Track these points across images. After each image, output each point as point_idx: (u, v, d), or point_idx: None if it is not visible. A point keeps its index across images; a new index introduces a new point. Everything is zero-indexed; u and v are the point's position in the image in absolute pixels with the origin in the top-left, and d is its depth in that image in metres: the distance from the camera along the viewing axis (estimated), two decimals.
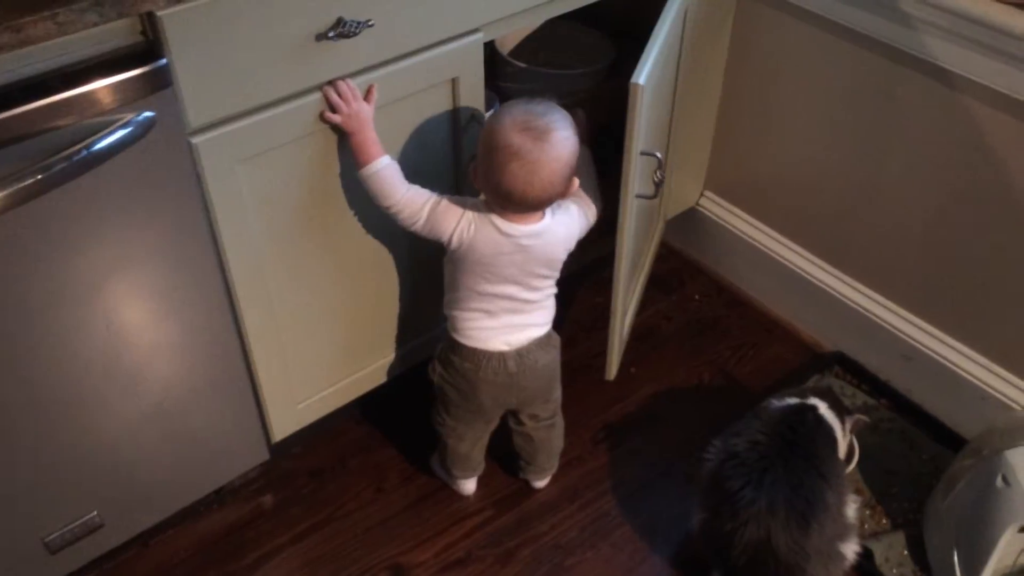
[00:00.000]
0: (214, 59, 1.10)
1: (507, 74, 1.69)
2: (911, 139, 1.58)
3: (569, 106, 1.58)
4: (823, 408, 1.47)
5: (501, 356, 1.38)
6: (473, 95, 1.39)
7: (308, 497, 1.64)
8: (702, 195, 2.02)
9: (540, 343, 1.40)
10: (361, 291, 1.47)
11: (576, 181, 1.31)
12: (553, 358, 1.44)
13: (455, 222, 1.30)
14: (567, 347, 1.87)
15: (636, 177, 1.37)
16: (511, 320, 1.37)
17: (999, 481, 1.38)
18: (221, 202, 1.22)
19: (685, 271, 2.09)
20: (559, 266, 1.38)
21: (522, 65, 1.66)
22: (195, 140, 1.15)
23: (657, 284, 2.04)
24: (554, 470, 1.65)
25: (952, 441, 1.69)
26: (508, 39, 1.75)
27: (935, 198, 1.59)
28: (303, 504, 1.63)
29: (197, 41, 1.08)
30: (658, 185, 1.40)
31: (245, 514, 1.61)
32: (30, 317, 1.13)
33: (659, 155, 1.37)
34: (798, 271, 1.87)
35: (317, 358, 1.49)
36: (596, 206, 1.41)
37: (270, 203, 1.28)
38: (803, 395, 1.49)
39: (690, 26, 1.61)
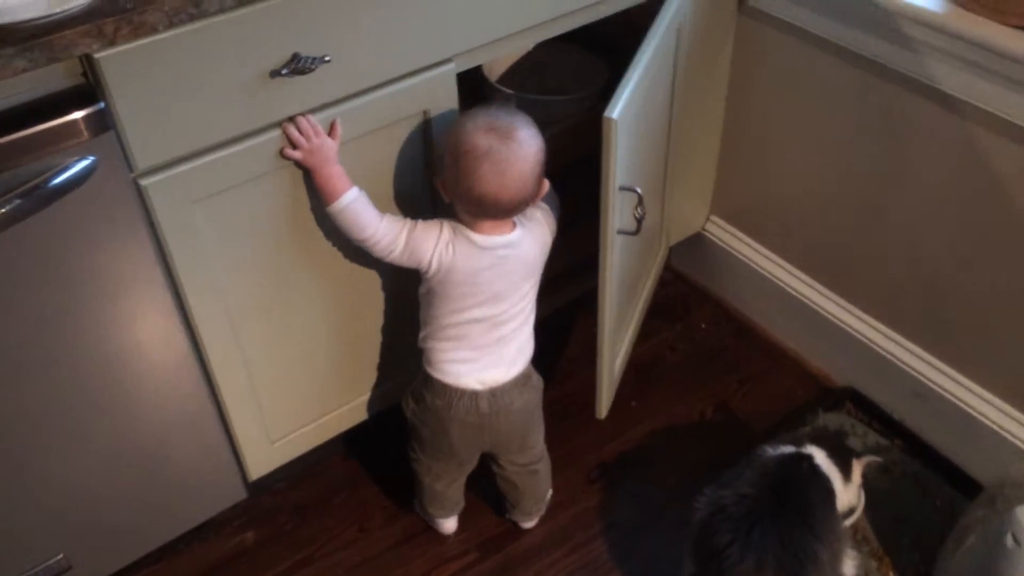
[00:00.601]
0: (160, 100, 1.07)
1: (495, 100, 1.63)
2: (919, 167, 1.48)
3: (559, 134, 1.54)
4: (820, 457, 1.38)
5: (474, 395, 1.32)
6: (447, 126, 1.34)
7: (290, 534, 1.60)
8: (708, 220, 1.94)
9: (517, 383, 1.35)
10: (335, 327, 1.43)
11: (547, 183, 1.28)
12: (530, 400, 1.38)
13: (433, 243, 1.26)
14: (562, 380, 1.83)
15: (616, 214, 1.31)
16: (487, 352, 1.32)
17: (1009, 540, 1.28)
18: (176, 243, 1.18)
19: (692, 298, 2.01)
20: (538, 276, 1.35)
21: (509, 92, 1.60)
22: (144, 182, 1.11)
23: (662, 311, 1.96)
24: (542, 513, 1.59)
25: (967, 486, 1.58)
26: (497, 63, 1.70)
27: (945, 229, 1.49)
28: (285, 542, 1.59)
29: (140, 82, 1.04)
30: (640, 221, 1.33)
31: (227, 552, 1.58)
32: None
33: (639, 191, 1.30)
34: (806, 301, 1.78)
35: (291, 396, 1.45)
36: (554, 211, 1.37)
37: (232, 241, 1.24)
38: (799, 442, 1.41)
39: (685, 46, 1.53)
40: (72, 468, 1.28)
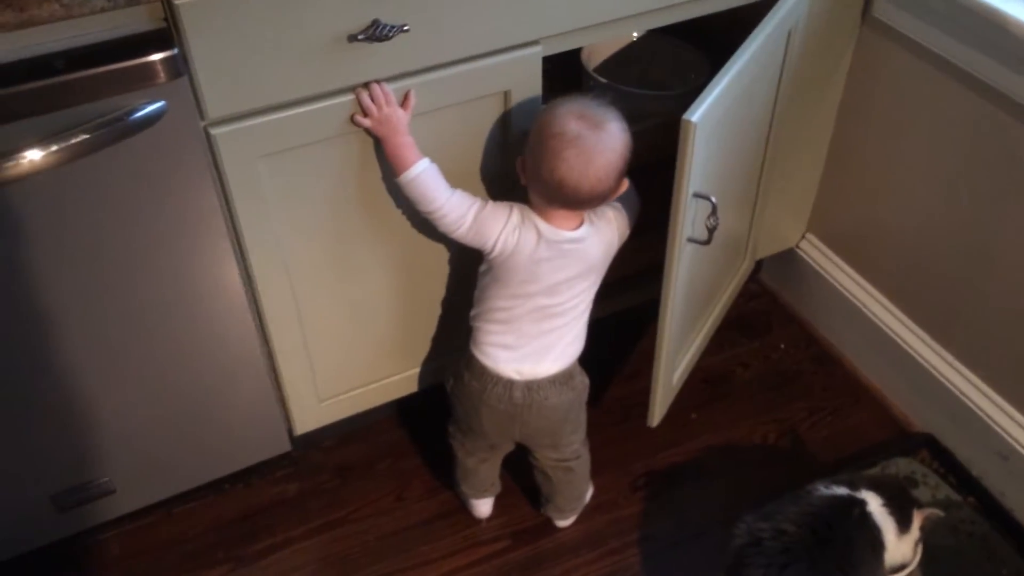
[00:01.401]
0: (236, 52, 1.07)
1: (588, 88, 1.58)
2: None
3: (650, 129, 1.48)
4: (874, 504, 1.30)
5: (509, 384, 1.30)
6: (528, 111, 1.30)
7: (330, 493, 1.62)
8: (803, 237, 1.84)
9: (556, 380, 1.32)
10: (393, 296, 1.43)
11: (627, 181, 1.25)
12: (568, 399, 1.35)
13: (501, 226, 1.24)
14: (631, 378, 1.78)
15: (687, 221, 1.25)
16: (533, 342, 1.30)
17: None
18: (241, 195, 1.19)
19: (775, 315, 1.92)
20: (600, 276, 1.32)
21: (603, 81, 1.55)
22: (214, 131, 1.13)
23: (742, 325, 1.88)
24: (576, 513, 1.55)
25: None
26: (598, 50, 1.64)
27: None
28: (324, 499, 1.61)
29: (217, 32, 1.05)
30: (711, 231, 1.27)
31: (266, 500, 1.61)
32: (55, 278, 1.15)
33: (713, 199, 1.24)
34: (896, 338, 1.67)
35: (343, 358, 1.46)
36: (630, 212, 1.33)
37: (295, 200, 1.24)
38: (855, 485, 1.32)
39: (797, 51, 1.45)
40: (124, 400, 1.32)
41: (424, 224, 1.31)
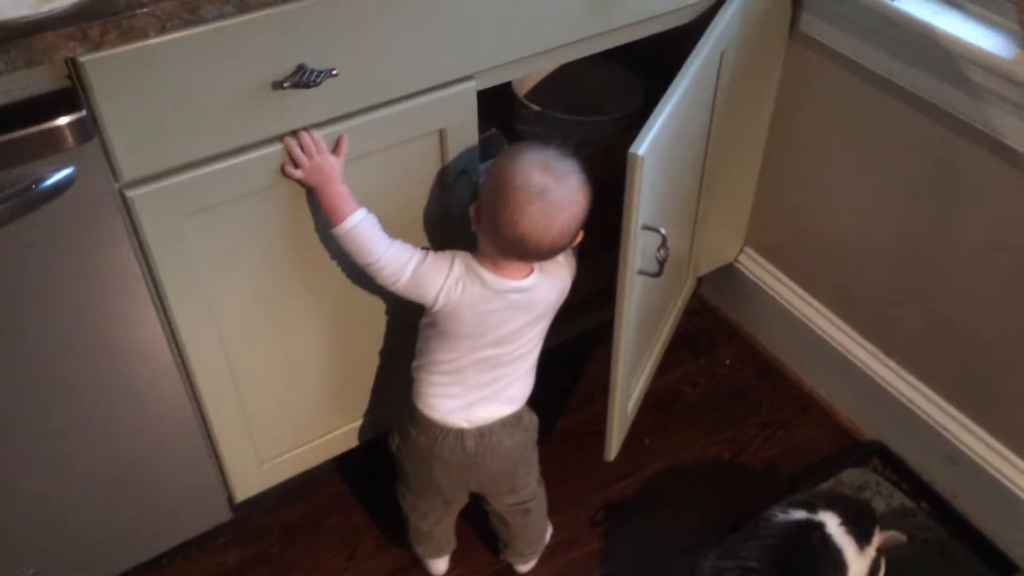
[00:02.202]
0: (150, 108, 0.99)
1: (522, 117, 1.53)
2: (972, 222, 1.37)
3: (589, 156, 1.44)
4: (832, 525, 1.28)
5: (459, 433, 1.24)
6: (464, 148, 1.25)
7: (276, 558, 1.53)
8: (742, 251, 1.83)
9: (507, 423, 1.26)
10: (331, 350, 1.35)
11: (581, 234, 1.19)
12: (521, 441, 1.30)
13: (442, 279, 1.18)
14: (576, 409, 1.74)
15: (637, 254, 1.21)
16: (481, 390, 1.24)
17: None
18: (164, 258, 1.11)
19: (718, 331, 1.90)
20: (549, 320, 1.26)
21: (536, 109, 1.50)
22: (131, 193, 1.04)
23: (686, 343, 1.86)
24: (537, 555, 1.50)
25: (998, 563, 1.48)
26: (528, 77, 1.60)
27: (996, 287, 1.38)
28: (270, 565, 1.52)
29: (130, 88, 0.97)
30: (662, 263, 1.24)
31: (207, 572, 1.51)
32: None
33: (663, 232, 1.20)
34: (839, 348, 1.67)
35: (282, 417, 1.38)
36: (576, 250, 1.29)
37: (225, 258, 1.16)
38: (812, 507, 1.31)
39: (729, 69, 1.43)
40: (47, 484, 1.21)
41: (361, 275, 1.23)
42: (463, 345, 1.20)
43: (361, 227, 1.15)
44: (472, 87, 1.21)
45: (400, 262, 1.17)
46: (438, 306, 1.19)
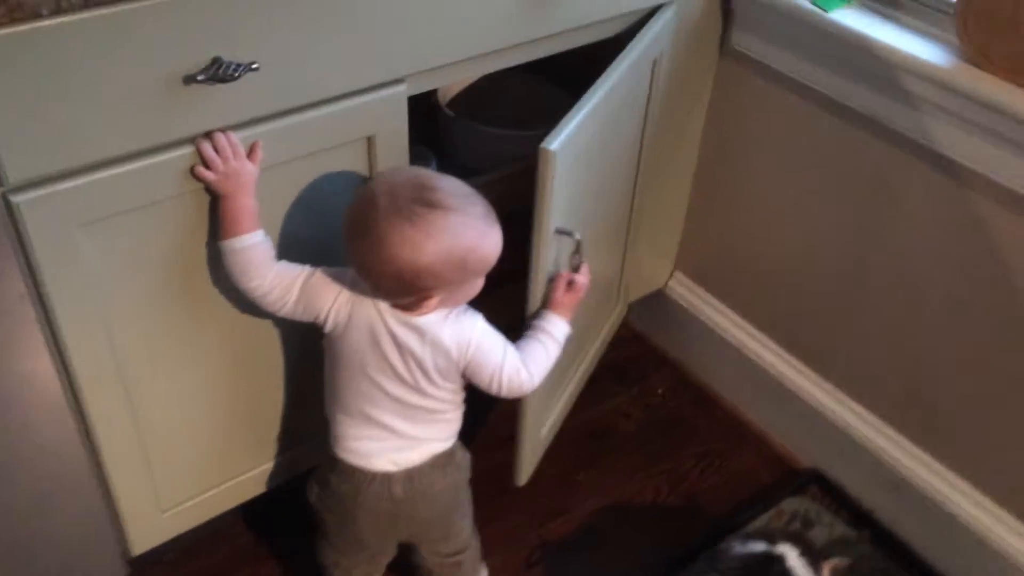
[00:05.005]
0: (41, 102, 0.87)
1: (441, 126, 1.45)
2: (907, 235, 1.35)
3: (513, 174, 1.37)
4: (792, 558, 1.23)
5: (386, 478, 1.12)
6: (394, 156, 1.16)
7: None
8: (672, 276, 1.78)
9: (438, 463, 1.15)
10: (239, 384, 1.22)
11: (480, 282, 1.06)
12: (454, 482, 1.18)
13: (332, 297, 1.07)
14: (502, 444, 1.63)
15: (547, 259, 1.14)
16: (401, 430, 1.12)
17: None
18: (55, 273, 0.97)
19: (649, 361, 1.84)
20: (453, 379, 1.11)
21: (451, 114, 1.42)
22: (17, 199, 0.91)
23: (617, 374, 1.80)
24: None
25: None
26: (454, 87, 1.52)
27: (935, 307, 1.36)
28: None
29: (17, 77, 0.84)
30: (575, 269, 1.18)
31: None
32: None
33: (578, 236, 1.14)
34: (775, 374, 1.63)
35: (186, 459, 1.24)
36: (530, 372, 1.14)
37: (125, 274, 1.03)
38: (771, 539, 1.25)
39: (662, 84, 1.39)
40: None
41: None
42: (363, 375, 1.08)
43: (254, 251, 1.05)
44: (403, 91, 1.12)
45: (286, 284, 1.06)
46: (328, 328, 1.08)
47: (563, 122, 1.10)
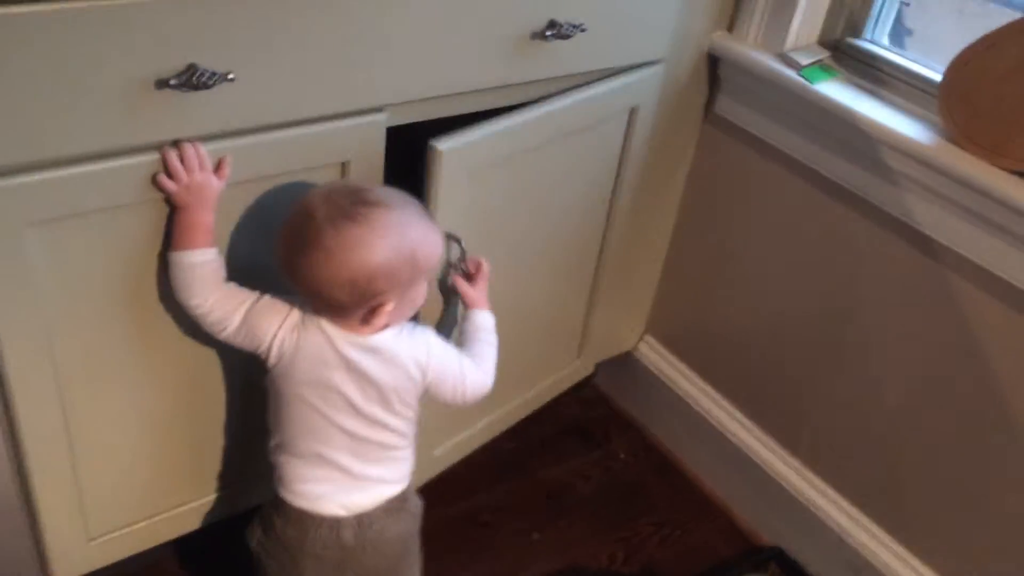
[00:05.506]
0: (5, 92, 0.83)
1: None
2: (885, 314, 1.33)
3: None
4: None
5: (335, 523, 1.06)
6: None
7: None
8: (641, 339, 1.75)
9: (391, 508, 1.10)
10: (182, 410, 1.16)
11: (425, 287, 1.04)
12: (407, 529, 1.13)
13: (276, 325, 1.02)
14: (460, 496, 1.58)
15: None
16: (354, 470, 1.06)
17: None
18: None
19: (613, 424, 1.80)
20: (410, 404, 1.08)
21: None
22: None
23: (579, 433, 1.76)
24: None
25: None
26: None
27: (907, 387, 1.33)
28: None
29: None
30: (466, 270, 1.18)
31: None
32: None
33: (463, 244, 1.14)
34: (741, 446, 1.60)
35: (122, 483, 1.17)
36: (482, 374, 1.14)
37: (73, 281, 0.98)
38: None
39: (642, 139, 1.39)
40: None
41: None
42: (311, 410, 1.03)
43: (206, 267, 1.00)
44: (382, 120, 1.09)
45: (229, 307, 1.02)
46: (272, 359, 1.03)
47: (466, 129, 1.11)
